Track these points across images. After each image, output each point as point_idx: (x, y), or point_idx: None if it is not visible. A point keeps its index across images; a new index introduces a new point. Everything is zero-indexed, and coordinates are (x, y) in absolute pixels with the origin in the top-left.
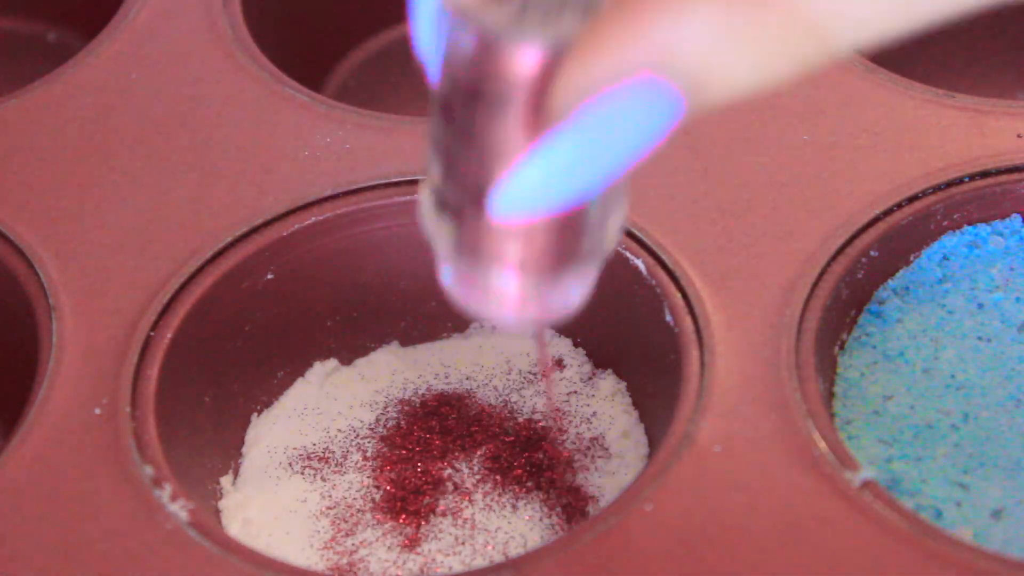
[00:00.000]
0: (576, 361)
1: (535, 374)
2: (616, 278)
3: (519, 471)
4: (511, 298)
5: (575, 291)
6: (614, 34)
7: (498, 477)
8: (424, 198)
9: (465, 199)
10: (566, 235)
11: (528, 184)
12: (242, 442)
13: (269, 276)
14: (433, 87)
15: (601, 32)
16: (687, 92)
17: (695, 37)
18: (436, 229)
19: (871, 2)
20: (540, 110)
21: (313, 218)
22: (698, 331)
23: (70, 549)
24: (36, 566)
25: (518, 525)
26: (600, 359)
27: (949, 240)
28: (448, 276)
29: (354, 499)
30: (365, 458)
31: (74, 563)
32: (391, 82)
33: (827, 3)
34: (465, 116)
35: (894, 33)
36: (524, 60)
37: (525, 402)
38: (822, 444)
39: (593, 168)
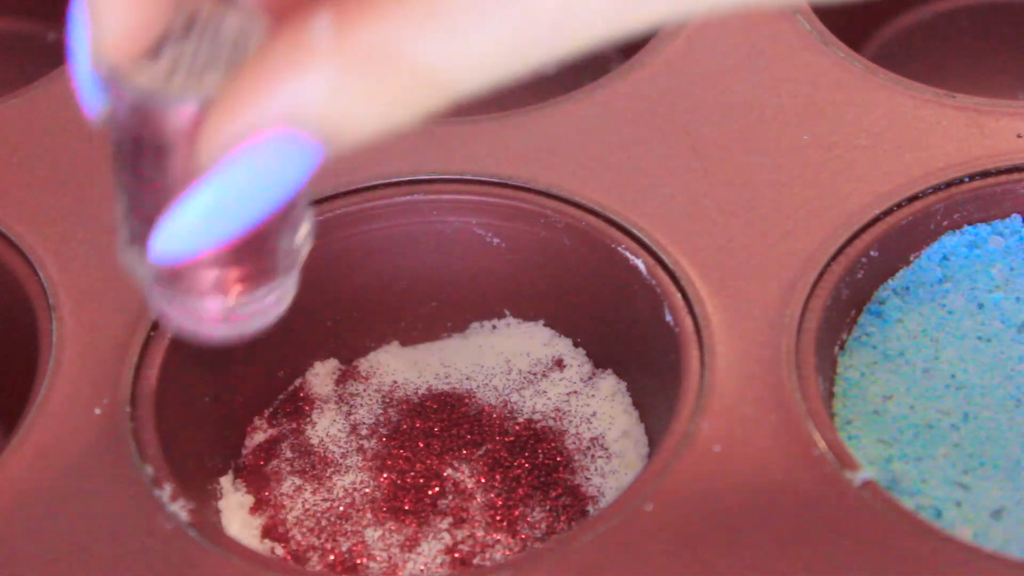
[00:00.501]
0: (576, 361)
1: (535, 374)
2: (616, 278)
3: (519, 471)
4: (213, 317)
5: (274, 302)
6: (248, 90)
7: (498, 477)
8: (120, 232)
9: (150, 234)
10: (252, 252)
11: (180, 227)
12: (242, 442)
13: None
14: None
15: (237, 89)
16: (318, 139)
17: (315, 91)
18: (133, 262)
19: (478, 48)
20: (192, 160)
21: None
22: (698, 331)
23: (70, 549)
24: (36, 566)
25: (519, 524)
26: (600, 359)
27: (949, 240)
28: (154, 301)
29: (354, 499)
30: (365, 458)
31: (74, 563)
32: None
33: (438, 57)
34: (131, 164)
35: (511, 74)
36: (172, 118)
37: (525, 402)
38: (822, 444)
39: (237, 212)
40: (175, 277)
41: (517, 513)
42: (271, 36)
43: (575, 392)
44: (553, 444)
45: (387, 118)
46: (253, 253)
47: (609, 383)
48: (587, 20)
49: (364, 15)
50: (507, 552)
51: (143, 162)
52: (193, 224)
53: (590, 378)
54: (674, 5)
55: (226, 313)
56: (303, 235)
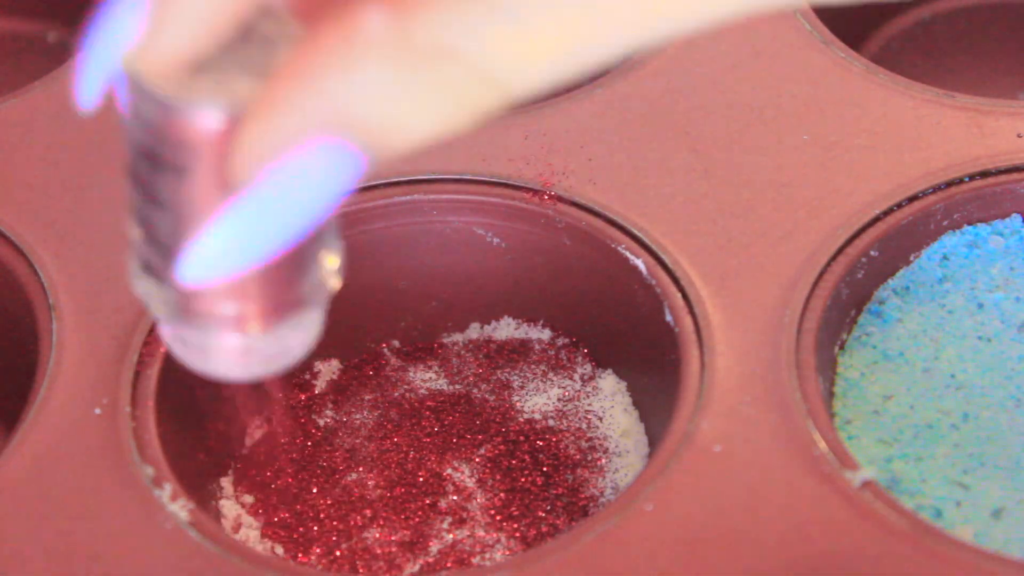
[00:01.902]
0: (576, 361)
1: (535, 374)
2: (616, 278)
3: (519, 471)
4: (231, 355)
5: (298, 337)
6: (286, 96)
7: (498, 477)
8: (130, 262)
9: (166, 263)
10: (275, 284)
11: (212, 249)
12: (242, 442)
13: None
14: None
15: (274, 94)
16: (365, 146)
17: (368, 93)
18: (145, 292)
19: (543, 45)
20: (222, 174)
21: None
22: (698, 331)
23: (70, 549)
24: (36, 566)
25: (518, 524)
26: (600, 359)
27: (949, 240)
28: (167, 336)
29: (355, 499)
30: (366, 458)
31: (74, 563)
32: None
33: (500, 53)
34: (151, 182)
35: (574, 72)
36: (200, 127)
37: (525, 402)
38: (822, 444)
39: (276, 228)
40: (193, 309)
41: (517, 513)
42: (312, 34)
43: (575, 392)
44: (553, 444)
45: (441, 121)
46: (280, 282)
47: (609, 383)
48: (653, 15)
49: (423, 7)
50: (507, 552)
51: (162, 181)
52: (225, 247)
53: (590, 378)
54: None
55: (245, 352)
56: (332, 267)
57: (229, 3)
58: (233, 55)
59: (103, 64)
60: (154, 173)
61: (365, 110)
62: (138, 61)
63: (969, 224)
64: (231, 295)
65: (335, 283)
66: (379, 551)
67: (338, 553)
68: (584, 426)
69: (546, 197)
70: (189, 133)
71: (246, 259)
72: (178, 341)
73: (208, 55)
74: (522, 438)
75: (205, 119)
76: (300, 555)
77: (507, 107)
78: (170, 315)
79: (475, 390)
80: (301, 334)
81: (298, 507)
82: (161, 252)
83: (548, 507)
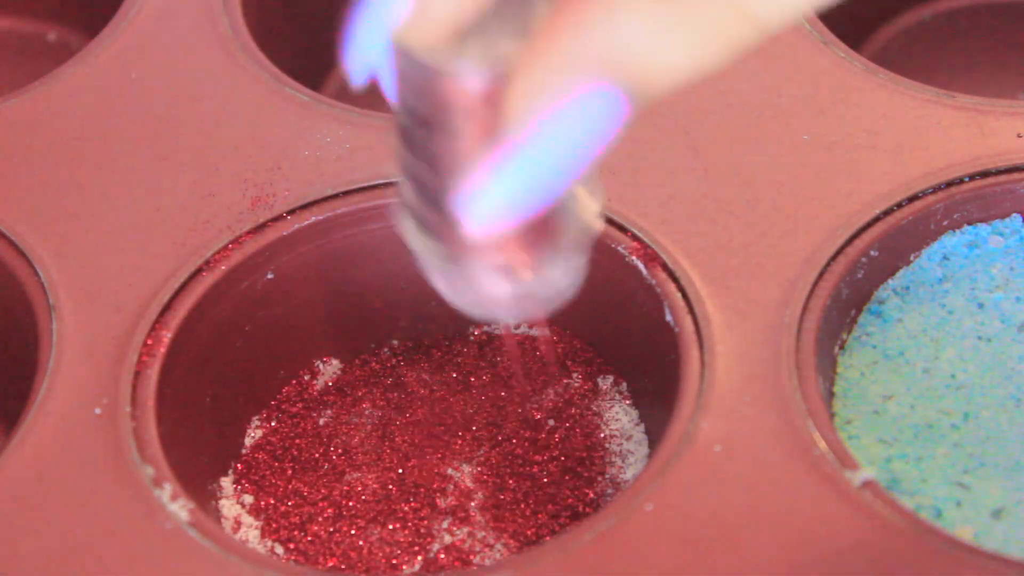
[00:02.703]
0: (576, 361)
1: (535, 375)
2: (616, 278)
3: (519, 471)
4: (505, 298)
5: (566, 279)
6: (552, 48)
7: (498, 477)
8: (404, 219)
9: (441, 217)
10: (544, 232)
11: (493, 199)
12: (242, 442)
13: (269, 276)
14: (390, 107)
15: (540, 49)
16: (632, 91)
17: (631, 35)
18: (421, 247)
19: None
20: (495, 130)
21: (313, 218)
22: (698, 331)
23: (70, 549)
24: (36, 566)
25: (518, 524)
26: (600, 359)
27: (949, 240)
28: (442, 285)
29: (354, 498)
30: (366, 458)
31: (74, 563)
32: None
33: None
34: (426, 143)
35: (820, 5)
36: (470, 89)
37: (525, 402)
38: (822, 444)
39: (550, 176)
40: (468, 261)
41: (517, 513)
42: None
43: (575, 392)
44: (553, 444)
45: (701, 57)
46: (548, 229)
47: (609, 383)
48: None
49: None
50: (507, 552)
51: (436, 141)
52: (504, 197)
53: (590, 378)
54: None
55: (518, 296)
56: (595, 209)
57: None
58: (495, 18)
59: (372, 39)
60: (428, 134)
61: (628, 53)
62: (408, 33)
63: (969, 224)
64: (504, 246)
65: (598, 225)
66: (379, 551)
67: (338, 553)
68: (584, 426)
69: None
70: (460, 97)
71: (524, 208)
72: (453, 291)
73: (472, 20)
74: (522, 438)
75: (474, 82)
76: (300, 555)
77: (763, 39)
78: (446, 268)
79: (475, 390)
80: (569, 275)
81: (298, 507)
82: (437, 209)
83: (548, 507)
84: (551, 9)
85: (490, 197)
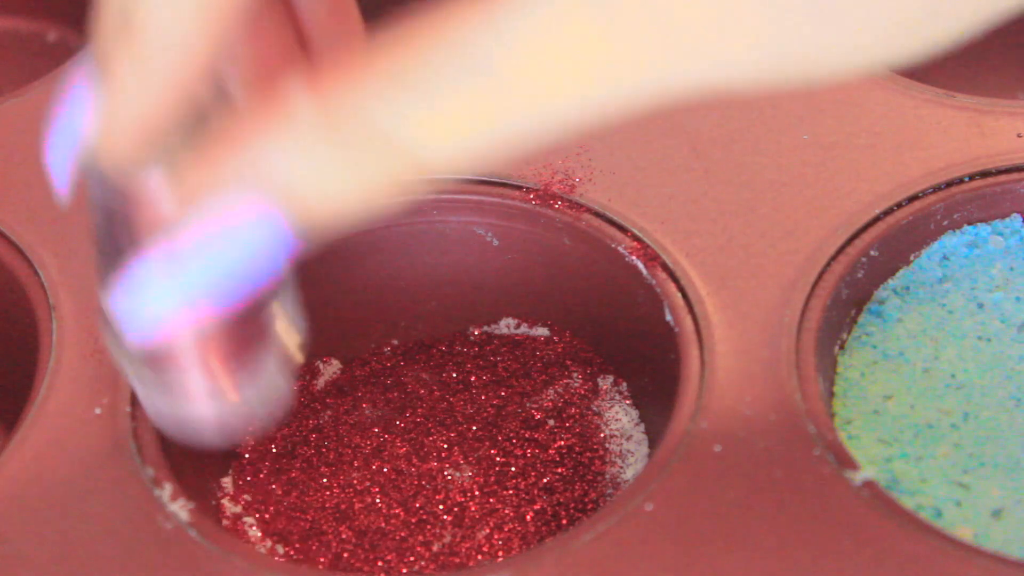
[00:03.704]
0: (576, 361)
1: (535, 374)
2: (616, 278)
3: (519, 471)
4: (206, 418)
5: (265, 403)
6: (220, 161)
7: (498, 477)
8: (107, 336)
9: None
10: (240, 351)
11: (152, 300)
12: (242, 442)
13: None
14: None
15: (209, 158)
16: (288, 213)
17: (288, 160)
18: (125, 365)
19: (452, 130)
20: (161, 236)
21: None
22: (698, 331)
23: (70, 549)
24: (36, 566)
25: (519, 524)
26: (600, 359)
27: (949, 240)
28: (147, 405)
29: (355, 498)
30: (365, 458)
31: (74, 563)
32: None
33: (412, 132)
34: (107, 246)
35: (492, 147)
36: (141, 188)
37: (525, 402)
38: (822, 444)
39: (206, 282)
40: (165, 376)
41: (517, 512)
42: (253, 107)
43: (575, 392)
44: (553, 444)
45: (359, 191)
46: (243, 350)
47: (609, 383)
48: (565, 106)
49: (343, 84)
50: (507, 552)
51: (117, 241)
52: (162, 299)
53: (590, 378)
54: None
55: (219, 417)
56: (296, 340)
57: (176, 78)
58: (184, 135)
59: (68, 153)
60: (110, 234)
61: (288, 178)
62: (101, 146)
63: (969, 224)
64: (200, 363)
65: (298, 357)
66: (379, 551)
67: (337, 552)
68: (584, 426)
69: (546, 197)
70: (133, 195)
71: (177, 304)
72: (156, 412)
73: (166, 139)
74: (522, 438)
75: (154, 193)
76: (300, 555)
77: (424, 180)
78: (147, 386)
79: (475, 390)
80: (270, 399)
81: (298, 507)
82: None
83: (548, 507)
84: (229, 123)
85: (150, 299)
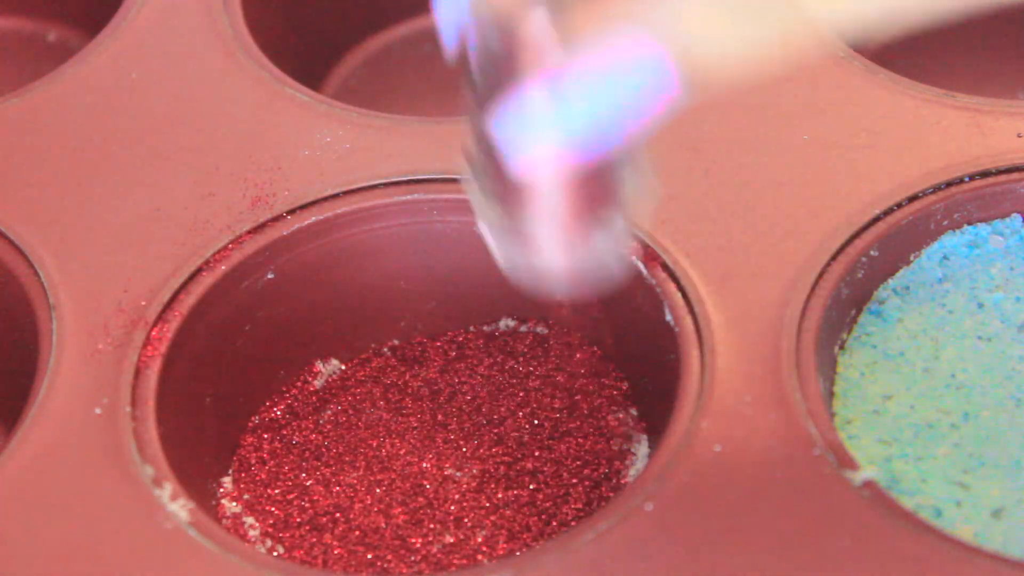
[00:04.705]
0: (576, 361)
1: (535, 374)
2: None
3: (519, 471)
4: (558, 265)
5: (613, 255)
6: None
7: (498, 476)
8: (471, 188)
9: (503, 180)
10: (596, 196)
11: (538, 132)
12: (242, 441)
13: (269, 276)
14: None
15: (591, 6)
16: (681, 65)
17: (676, 14)
18: (485, 211)
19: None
20: (551, 75)
21: (313, 218)
22: (698, 331)
23: (70, 549)
24: (36, 566)
25: (519, 524)
26: (600, 359)
27: (949, 240)
28: (498, 253)
29: (354, 498)
30: (365, 457)
31: (74, 563)
32: (391, 82)
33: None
34: (494, 89)
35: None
36: (532, 33)
37: (525, 402)
38: (822, 444)
39: (594, 123)
40: (526, 222)
41: (517, 512)
42: None
43: (575, 392)
44: (553, 444)
45: (755, 53)
46: (599, 199)
47: (609, 383)
48: None
49: None
50: (507, 552)
51: (503, 92)
52: (548, 132)
53: (590, 378)
54: None
55: (569, 265)
56: (643, 180)
57: None
58: None
59: (455, 7)
60: (499, 91)
61: (679, 23)
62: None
63: (969, 224)
64: (559, 210)
65: (651, 198)
66: (379, 550)
67: (338, 552)
68: (584, 426)
69: None
70: (528, 47)
71: (568, 147)
72: (508, 258)
73: None
74: (522, 438)
75: (533, 24)
76: (300, 555)
77: (814, 51)
78: (505, 232)
79: (475, 390)
80: (617, 252)
81: (298, 506)
82: (500, 169)
83: (548, 507)
84: None
85: (535, 131)
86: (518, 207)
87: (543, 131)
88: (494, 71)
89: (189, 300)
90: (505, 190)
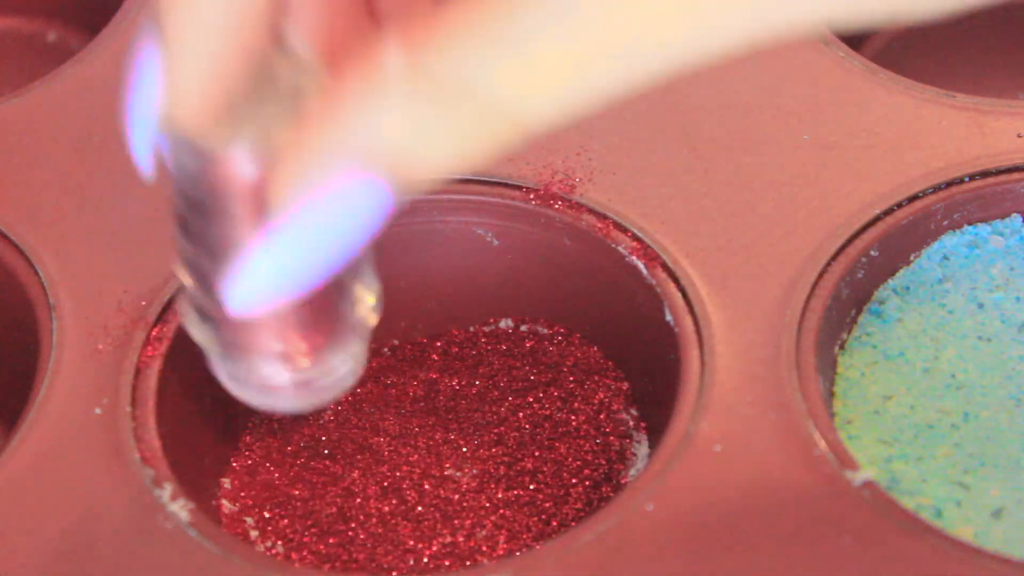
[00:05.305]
0: (576, 362)
1: (535, 374)
2: (616, 278)
3: (519, 471)
4: (284, 386)
5: (344, 368)
6: (318, 137)
7: (498, 476)
8: (184, 308)
9: (216, 304)
10: (319, 319)
11: (255, 279)
12: (242, 442)
13: None
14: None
15: (306, 137)
16: (391, 179)
17: (388, 128)
18: (199, 334)
19: (546, 82)
20: (261, 214)
21: None
22: (698, 331)
23: (70, 549)
24: (36, 566)
25: (519, 524)
26: (600, 359)
27: (949, 240)
28: (223, 375)
29: (355, 498)
30: (366, 457)
31: (74, 563)
32: None
33: (508, 87)
34: (200, 228)
35: (585, 105)
36: (239, 174)
37: (525, 403)
38: (822, 444)
39: (313, 259)
40: (246, 347)
41: (517, 513)
42: (335, 77)
43: (575, 392)
44: (553, 444)
45: (459, 153)
46: (323, 315)
47: (609, 383)
48: (659, 52)
49: (435, 45)
50: (507, 552)
51: (208, 226)
52: (266, 277)
53: (590, 378)
54: (743, 31)
55: (298, 385)
56: (372, 302)
57: (235, 37)
58: (266, 105)
59: (146, 126)
60: (201, 220)
61: (389, 147)
62: (172, 114)
63: (969, 224)
64: (279, 330)
65: (373, 318)
66: (379, 550)
67: (338, 552)
68: (584, 426)
69: (546, 197)
70: (230, 180)
71: (286, 290)
72: (234, 380)
73: (242, 106)
74: (522, 438)
75: (243, 166)
76: (300, 554)
77: (523, 138)
78: (224, 355)
79: (475, 390)
80: (348, 364)
81: (298, 507)
82: (211, 295)
83: (548, 507)
84: (318, 100)
85: (252, 277)
86: (236, 331)
87: (254, 270)
88: (196, 197)
89: None
90: (221, 315)
